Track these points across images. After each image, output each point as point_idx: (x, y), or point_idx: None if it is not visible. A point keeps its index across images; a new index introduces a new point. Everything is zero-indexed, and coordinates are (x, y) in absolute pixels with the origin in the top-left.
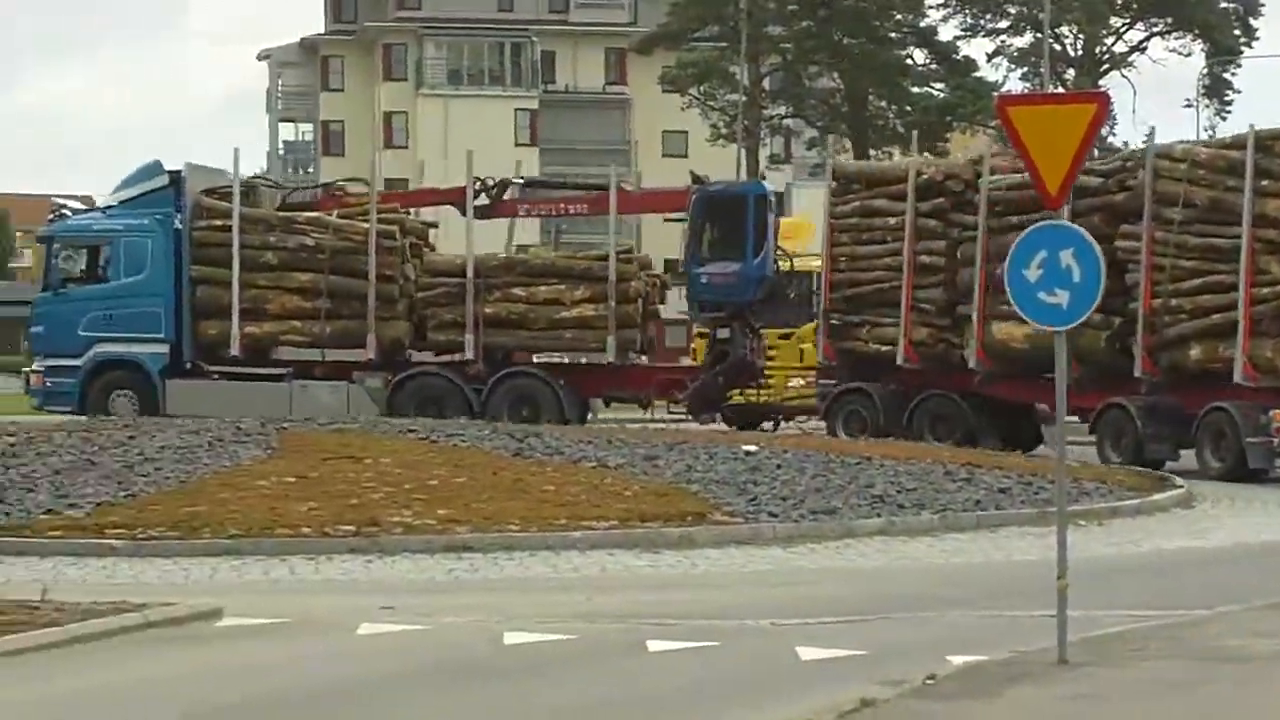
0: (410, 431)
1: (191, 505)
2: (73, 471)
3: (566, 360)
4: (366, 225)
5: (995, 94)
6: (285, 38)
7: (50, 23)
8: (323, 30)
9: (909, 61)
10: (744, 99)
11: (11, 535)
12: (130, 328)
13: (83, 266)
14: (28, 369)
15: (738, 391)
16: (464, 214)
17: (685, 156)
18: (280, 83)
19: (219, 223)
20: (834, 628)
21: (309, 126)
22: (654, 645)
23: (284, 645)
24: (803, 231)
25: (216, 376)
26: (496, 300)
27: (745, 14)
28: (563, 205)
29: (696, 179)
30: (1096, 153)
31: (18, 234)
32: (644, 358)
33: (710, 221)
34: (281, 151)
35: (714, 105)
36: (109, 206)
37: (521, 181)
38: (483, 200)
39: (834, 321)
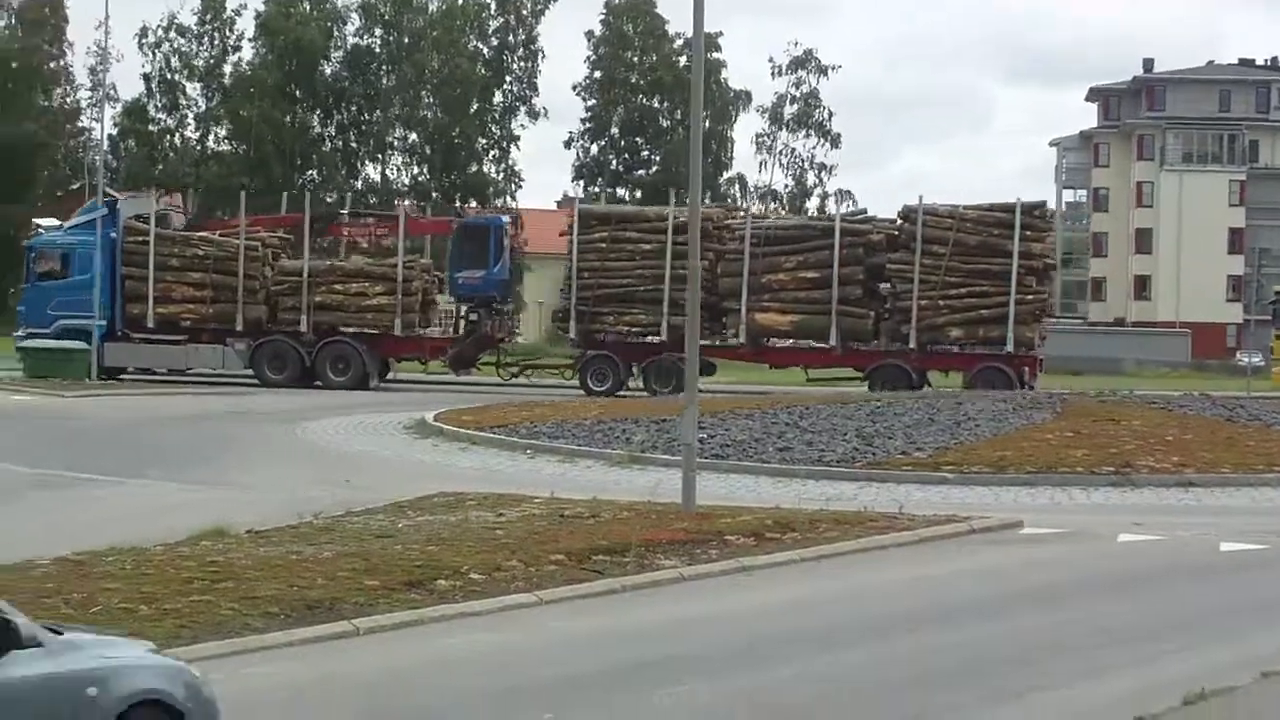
0: (1151, 404)
1: (1001, 450)
2: (919, 426)
3: (367, 332)
4: (238, 241)
5: None
6: (1068, 130)
7: (917, 122)
8: (1095, 125)
9: None
10: None
11: (877, 468)
12: (81, 308)
13: (51, 267)
14: (16, 334)
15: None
16: (301, 235)
17: None
18: (1064, 161)
19: (141, 238)
20: None
21: (1083, 191)
22: None
23: (1065, 548)
24: None
25: (138, 340)
26: (323, 292)
27: None
28: (372, 229)
29: (457, 213)
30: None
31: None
32: (422, 331)
33: (465, 242)
34: (1063, 209)
35: None
36: (70, 226)
37: (345, 213)
38: (318, 224)
39: (582, 311)
